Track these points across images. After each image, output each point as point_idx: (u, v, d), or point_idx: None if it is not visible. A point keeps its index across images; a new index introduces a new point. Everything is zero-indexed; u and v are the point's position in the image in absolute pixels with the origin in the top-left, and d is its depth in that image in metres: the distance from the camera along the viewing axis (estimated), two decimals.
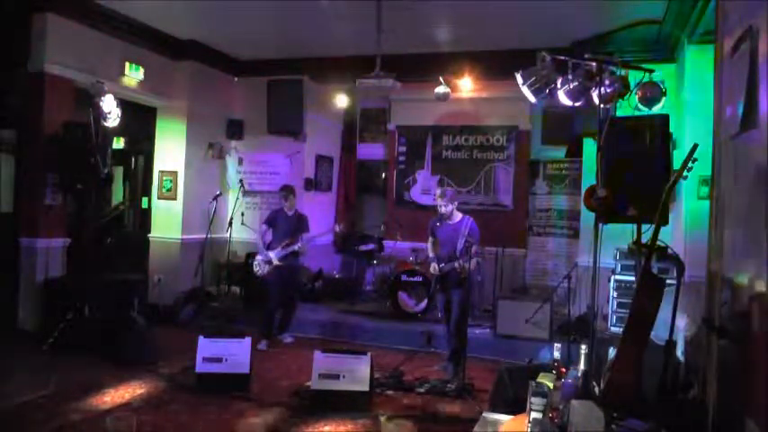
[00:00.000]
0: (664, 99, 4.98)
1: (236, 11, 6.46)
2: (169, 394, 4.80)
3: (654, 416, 2.89)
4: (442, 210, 5.51)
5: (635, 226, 3.98)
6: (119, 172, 8.52)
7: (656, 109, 4.96)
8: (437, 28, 6.89)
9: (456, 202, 5.59)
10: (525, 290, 8.05)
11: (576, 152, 7.63)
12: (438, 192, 5.69)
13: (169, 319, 7.17)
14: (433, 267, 5.53)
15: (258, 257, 6.58)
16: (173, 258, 7.84)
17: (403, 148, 9.30)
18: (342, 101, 8.58)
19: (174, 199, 7.94)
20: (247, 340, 4.99)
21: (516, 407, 2.59)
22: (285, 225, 6.54)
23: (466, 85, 7.73)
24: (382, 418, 4.39)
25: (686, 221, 5.44)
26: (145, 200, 8.54)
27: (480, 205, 8.65)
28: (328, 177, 9.44)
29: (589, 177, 6.78)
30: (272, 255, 6.41)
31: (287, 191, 6.66)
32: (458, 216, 5.55)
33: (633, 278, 5.22)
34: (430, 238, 5.72)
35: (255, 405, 4.62)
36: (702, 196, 5.10)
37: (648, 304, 3.04)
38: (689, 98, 5.57)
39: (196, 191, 7.99)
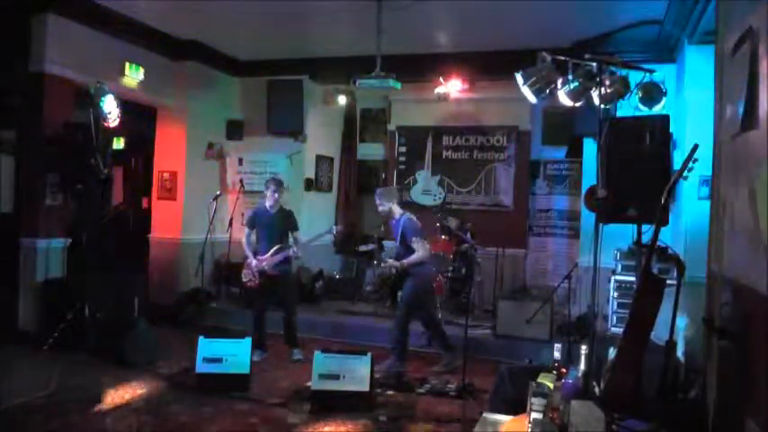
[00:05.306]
0: (664, 99, 4.98)
1: (236, 11, 6.45)
2: (169, 394, 4.80)
3: (654, 416, 2.89)
4: (379, 209, 5.58)
5: (635, 226, 3.99)
6: (119, 172, 8.52)
7: (656, 109, 4.96)
8: (437, 28, 6.89)
9: (394, 201, 5.62)
10: (525, 290, 8.03)
11: (575, 152, 7.63)
12: (378, 191, 5.76)
13: (169, 319, 7.17)
14: (390, 263, 5.61)
15: (246, 269, 5.96)
16: (173, 258, 7.84)
17: (403, 149, 9.29)
18: (342, 101, 8.57)
19: (174, 199, 7.94)
20: (247, 340, 4.99)
21: (516, 407, 2.58)
22: (268, 225, 5.92)
23: (466, 86, 7.72)
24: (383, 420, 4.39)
25: (686, 221, 5.44)
26: (145, 200, 8.54)
27: (480, 205, 8.64)
28: (328, 177, 9.43)
29: (589, 177, 6.77)
30: (264, 264, 5.81)
31: (269, 183, 5.93)
32: (398, 213, 5.61)
33: (633, 278, 5.22)
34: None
35: (255, 405, 4.62)
36: (702, 196, 5.09)
37: (648, 305, 3.04)
38: (689, 98, 5.57)
39: (196, 191, 7.97)
